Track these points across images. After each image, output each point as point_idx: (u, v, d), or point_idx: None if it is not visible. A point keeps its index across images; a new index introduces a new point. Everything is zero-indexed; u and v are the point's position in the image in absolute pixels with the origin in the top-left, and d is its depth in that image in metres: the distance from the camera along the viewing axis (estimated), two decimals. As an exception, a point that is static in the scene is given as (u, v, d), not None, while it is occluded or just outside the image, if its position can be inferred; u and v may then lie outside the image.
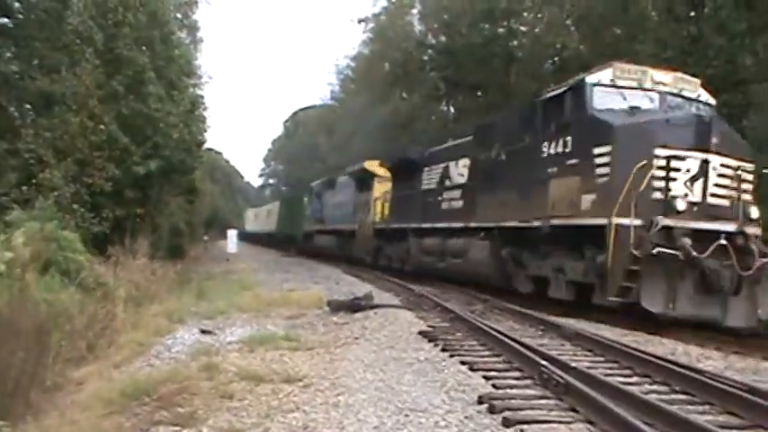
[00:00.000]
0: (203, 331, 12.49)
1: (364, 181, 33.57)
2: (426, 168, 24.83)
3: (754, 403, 7.15)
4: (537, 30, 42.28)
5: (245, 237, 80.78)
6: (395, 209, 28.32)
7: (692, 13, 30.75)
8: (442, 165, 23.30)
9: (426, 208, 24.09)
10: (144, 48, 26.21)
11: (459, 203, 21.46)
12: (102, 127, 23.60)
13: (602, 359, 10.23)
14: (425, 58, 50.15)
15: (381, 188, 31.11)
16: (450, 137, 28.44)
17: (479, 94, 46.81)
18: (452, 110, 51.20)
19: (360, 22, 54.44)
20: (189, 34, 38.59)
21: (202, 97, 37.15)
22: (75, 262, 17.10)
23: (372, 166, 32.47)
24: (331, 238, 40.43)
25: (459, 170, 21.84)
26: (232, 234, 45.43)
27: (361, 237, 32.82)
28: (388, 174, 30.26)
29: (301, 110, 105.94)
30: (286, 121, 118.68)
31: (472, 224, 19.96)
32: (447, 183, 22.78)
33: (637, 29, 31.66)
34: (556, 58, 40.40)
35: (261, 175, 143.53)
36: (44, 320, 11.34)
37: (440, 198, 23.06)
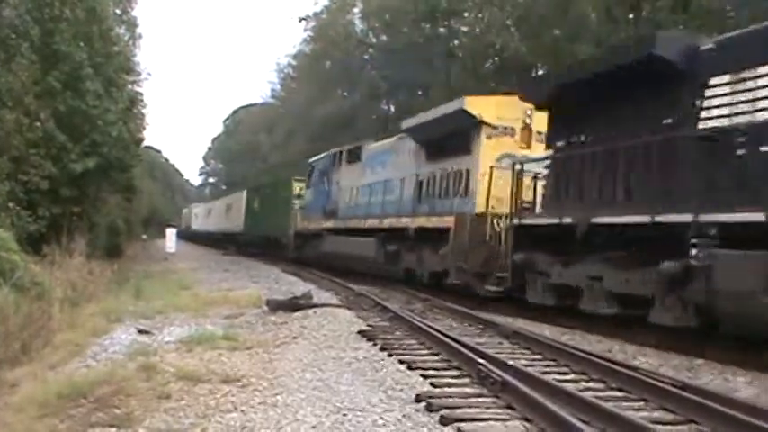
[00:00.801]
0: (141, 331, 12.36)
1: (452, 137, 19.22)
2: (718, 79, 11.45)
3: (687, 399, 7.27)
4: (477, 30, 42.56)
5: (190, 237, 78.37)
6: (584, 181, 14.06)
7: (631, 15, 31.29)
8: None
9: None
10: (82, 44, 25.91)
11: None
12: (38, 124, 23.34)
13: (539, 357, 10.35)
14: (366, 57, 50.37)
15: (498, 146, 18.01)
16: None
17: (420, 93, 47.03)
18: (393, 109, 51.33)
19: (301, 20, 54.38)
20: (128, 30, 38.22)
21: (141, 94, 37.12)
22: (10, 261, 16.88)
23: (479, 104, 18.58)
24: (361, 244, 24.16)
25: None
26: (171, 233, 44.87)
27: (462, 242, 17.50)
28: (517, 113, 18.11)
29: (242, 108, 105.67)
30: (226, 120, 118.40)
31: None
32: None
33: (576, 30, 32.08)
34: (496, 58, 40.77)
35: (201, 174, 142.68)
36: (-23, 321, 11.17)
37: None
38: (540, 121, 17.02)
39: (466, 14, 44.92)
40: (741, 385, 8.91)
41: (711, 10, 27.39)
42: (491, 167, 17.36)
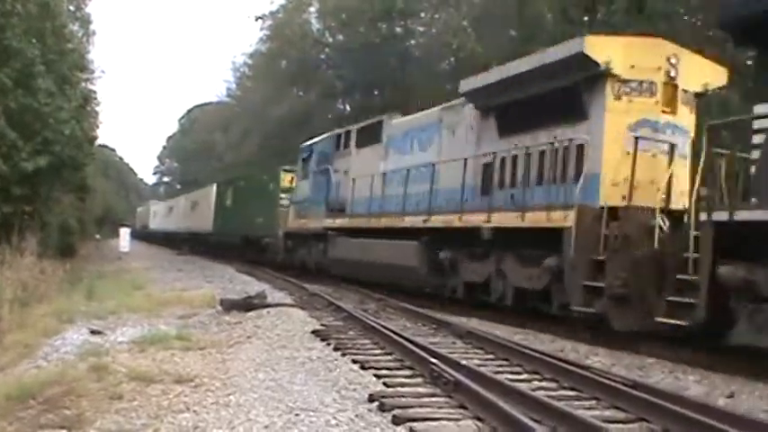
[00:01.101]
0: (93, 331, 12.26)
1: (551, 98, 13.72)
2: None
3: (638, 398, 7.37)
4: (434, 30, 42.70)
5: (147, 237, 76.61)
6: None
7: (586, 18, 31.58)
8: None
9: None
10: (34, 40, 25.57)
11: None
12: (-12, 121, 23.00)
13: (492, 357, 10.41)
14: (323, 56, 50.30)
15: (631, 110, 12.88)
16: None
17: (376, 93, 47.07)
18: (349, 108, 51.28)
19: (257, 19, 54.12)
20: (81, 27, 37.83)
21: (95, 92, 36.75)
22: (-42, 261, 16.67)
23: (604, 47, 13.02)
24: (394, 250, 18.50)
25: None
26: (125, 232, 44.56)
27: (589, 248, 12.31)
28: (657, 61, 13.02)
29: (197, 107, 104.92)
30: (181, 119, 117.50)
31: None
32: None
33: (532, 30, 32.29)
34: (452, 59, 40.89)
35: (155, 173, 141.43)
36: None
37: None
38: (689, 73, 13.09)
39: (422, 14, 45.09)
40: (691, 384, 9.05)
41: (666, 13, 27.71)
42: (635, 138, 12.29)
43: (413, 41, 45.69)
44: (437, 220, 16.92)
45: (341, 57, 47.50)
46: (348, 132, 23.42)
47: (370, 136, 21.80)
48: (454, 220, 16.13)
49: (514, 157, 14.74)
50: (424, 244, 17.42)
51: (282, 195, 30.74)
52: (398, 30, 45.59)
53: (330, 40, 50.60)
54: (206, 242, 46.85)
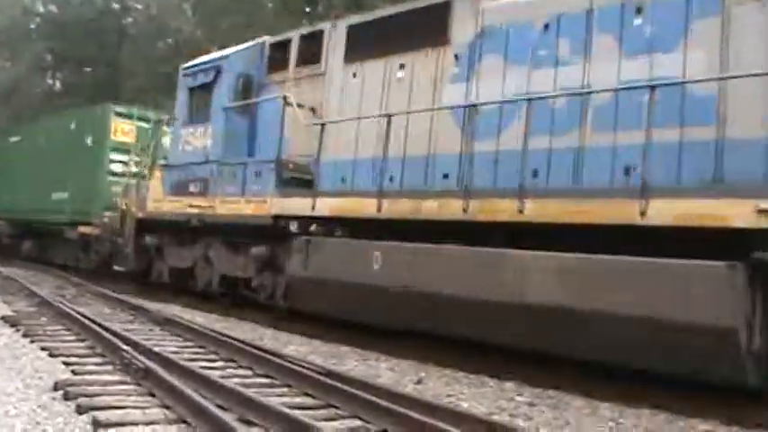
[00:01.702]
0: None
1: None
2: None
3: (329, 385, 7.57)
4: (153, 10, 41.93)
5: None
6: None
7: (308, 9, 32.28)
8: None
9: None
10: None
11: None
12: None
13: (190, 344, 10.42)
14: (33, 26, 47.89)
15: None
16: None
17: (88, 69, 45.51)
18: (59, 84, 49.16)
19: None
20: None
21: None
22: None
23: None
24: (655, 288, 7.29)
25: None
26: None
27: None
28: None
29: None
30: None
31: None
32: None
33: (253, 18, 32.55)
34: (170, 40, 40.35)
35: None
36: None
37: None
38: None
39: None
40: (383, 371, 9.44)
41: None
42: None
43: (130, 19, 44.60)
44: None
45: (53, 28, 45.44)
46: (315, 35, 13.46)
47: (403, 35, 11.57)
48: None
49: None
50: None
51: (114, 157, 20.20)
52: (115, 6, 44.35)
53: (41, 9, 48.27)
54: None
